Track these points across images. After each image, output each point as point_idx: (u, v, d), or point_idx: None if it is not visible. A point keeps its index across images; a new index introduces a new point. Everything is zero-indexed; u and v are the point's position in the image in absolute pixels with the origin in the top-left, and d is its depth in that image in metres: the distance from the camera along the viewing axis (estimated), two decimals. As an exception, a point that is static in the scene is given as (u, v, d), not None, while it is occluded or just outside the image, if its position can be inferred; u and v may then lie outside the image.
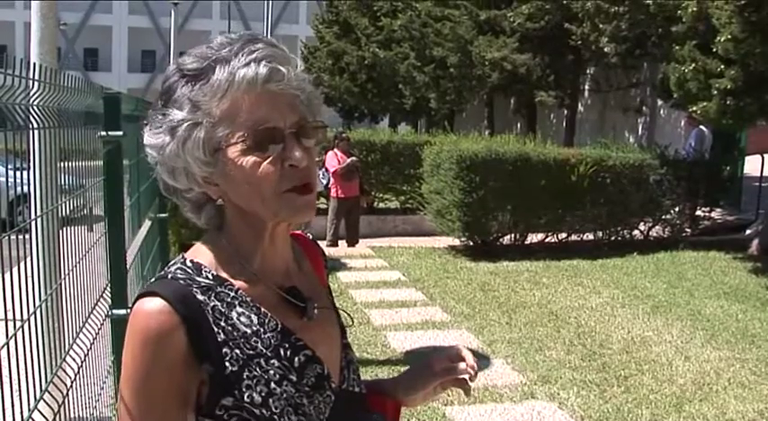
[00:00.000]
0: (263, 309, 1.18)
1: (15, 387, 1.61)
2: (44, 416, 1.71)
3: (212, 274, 1.17)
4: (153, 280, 1.20)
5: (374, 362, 5.52)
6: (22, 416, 1.58)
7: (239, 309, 1.16)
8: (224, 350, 1.12)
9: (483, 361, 5.54)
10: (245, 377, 1.12)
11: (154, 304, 1.10)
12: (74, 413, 2.16)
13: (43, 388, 1.79)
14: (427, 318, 6.80)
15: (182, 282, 1.14)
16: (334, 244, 10.64)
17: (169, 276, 1.16)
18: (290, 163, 1.12)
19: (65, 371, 2.06)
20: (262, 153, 1.11)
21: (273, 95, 1.12)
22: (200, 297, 1.13)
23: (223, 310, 1.14)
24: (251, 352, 1.14)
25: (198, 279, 1.16)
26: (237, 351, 1.13)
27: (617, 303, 7.37)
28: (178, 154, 1.14)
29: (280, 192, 1.12)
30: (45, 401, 1.74)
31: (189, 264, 1.18)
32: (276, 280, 1.22)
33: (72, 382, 2.08)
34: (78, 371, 2.14)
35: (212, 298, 1.14)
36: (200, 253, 1.21)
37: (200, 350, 1.11)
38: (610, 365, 5.56)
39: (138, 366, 1.10)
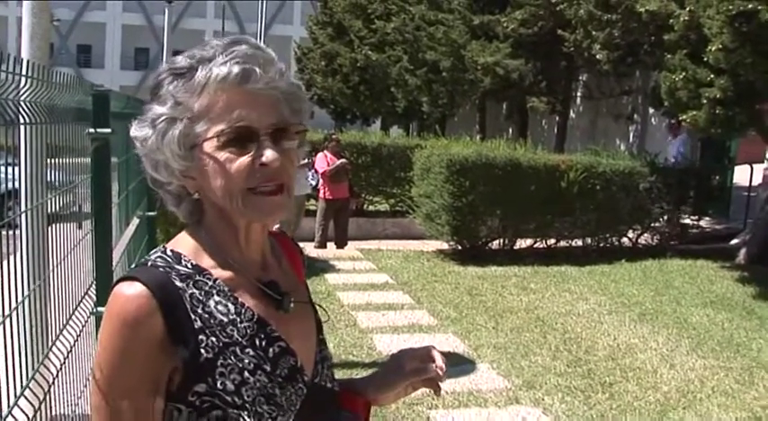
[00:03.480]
0: (240, 300, 1.20)
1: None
2: (24, 413, 1.70)
3: (191, 264, 1.19)
4: (133, 266, 1.22)
5: (360, 364, 5.52)
6: (0, 412, 1.58)
7: (216, 298, 1.18)
8: (200, 337, 1.14)
9: (468, 365, 5.56)
10: (219, 364, 1.14)
11: (133, 289, 1.12)
12: (56, 410, 2.16)
13: (24, 383, 1.78)
14: (414, 322, 6.80)
15: (161, 269, 1.17)
16: (322, 245, 10.63)
17: (149, 263, 1.18)
18: (261, 161, 1.14)
19: (47, 367, 2.06)
20: (237, 150, 1.14)
21: (251, 96, 1.15)
22: (178, 284, 1.15)
23: (201, 298, 1.16)
24: (227, 340, 1.16)
25: (177, 267, 1.18)
26: (213, 338, 1.15)
27: (604, 310, 7.39)
28: (158, 146, 1.17)
29: (246, 188, 1.15)
30: (26, 397, 1.74)
31: (169, 253, 1.21)
32: (255, 273, 1.24)
33: (54, 379, 2.07)
34: (61, 368, 2.13)
35: (190, 285, 1.16)
36: (181, 243, 1.23)
37: (177, 335, 1.12)
38: (595, 372, 5.58)
39: (113, 349, 1.12)
